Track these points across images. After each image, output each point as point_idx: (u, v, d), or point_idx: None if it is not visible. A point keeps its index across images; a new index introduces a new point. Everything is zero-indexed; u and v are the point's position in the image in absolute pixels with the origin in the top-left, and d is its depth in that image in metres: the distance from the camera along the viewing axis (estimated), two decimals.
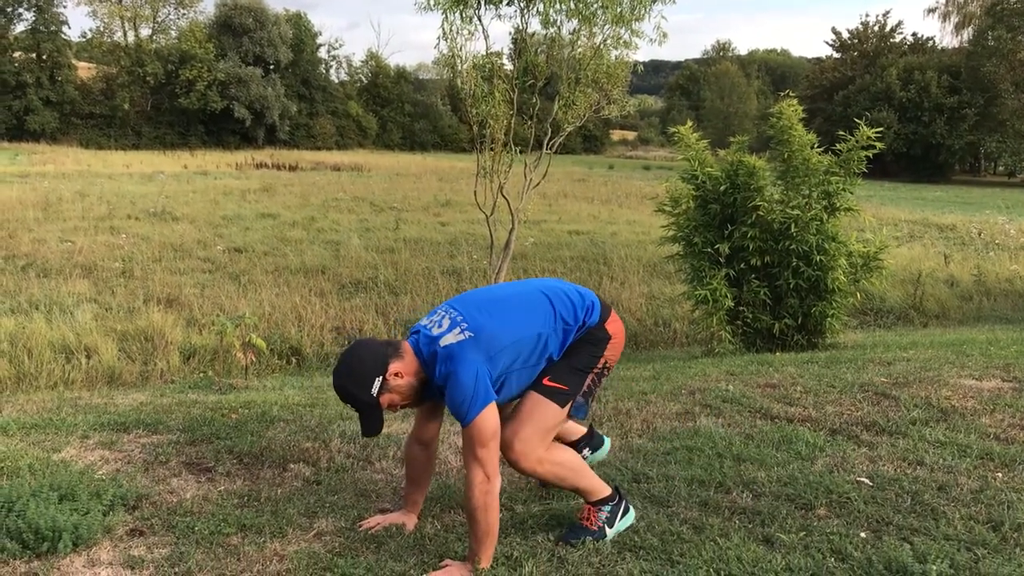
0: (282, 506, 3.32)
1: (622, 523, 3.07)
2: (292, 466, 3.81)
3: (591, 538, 2.98)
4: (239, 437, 4.16)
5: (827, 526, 3.14)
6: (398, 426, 4.48)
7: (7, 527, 2.92)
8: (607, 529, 3.01)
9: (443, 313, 2.95)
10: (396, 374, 2.83)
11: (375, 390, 2.80)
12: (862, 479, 3.60)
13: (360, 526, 3.16)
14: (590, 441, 3.51)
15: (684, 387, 5.31)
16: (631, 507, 3.14)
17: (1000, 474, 3.67)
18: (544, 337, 2.93)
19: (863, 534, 3.07)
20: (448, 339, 2.83)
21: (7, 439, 4.09)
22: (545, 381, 2.95)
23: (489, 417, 2.75)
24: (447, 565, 2.84)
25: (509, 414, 2.96)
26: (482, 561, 2.82)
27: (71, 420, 4.53)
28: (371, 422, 2.87)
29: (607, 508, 3.04)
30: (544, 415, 2.92)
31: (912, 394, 4.94)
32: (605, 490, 3.06)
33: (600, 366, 3.04)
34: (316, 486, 3.58)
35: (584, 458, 3.41)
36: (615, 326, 3.09)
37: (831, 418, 4.51)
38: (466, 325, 2.85)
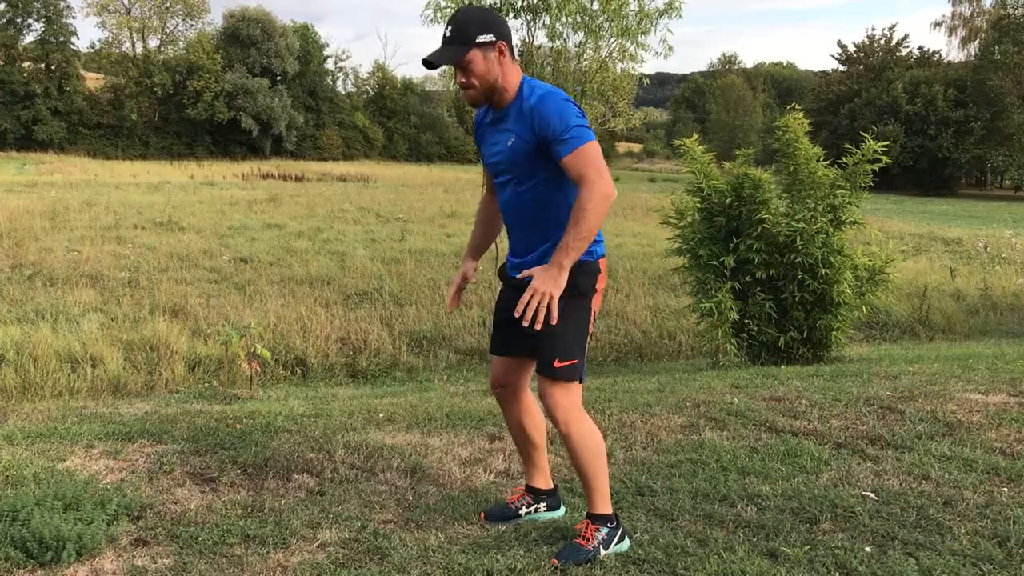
0: (286, 517, 3.31)
1: (616, 548, 3.01)
2: (296, 477, 3.81)
3: (583, 559, 2.91)
4: (243, 447, 4.16)
5: (832, 540, 3.12)
6: (402, 438, 4.48)
7: (11, 536, 2.92)
8: (601, 550, 2.96)
9: None
10: (502, 52, 2.85)
11: (482, 39, 2.80)
12: (867, 493, 3.59)
13: (449, 310, 3.48)
14: (549, 499, 3.41)
15: (689, 400, 5.30)
16: (627, 537, 3.08)
17: (1006, 489, 3.65)
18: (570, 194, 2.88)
19: (868, 549, 3.06)
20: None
21: (12, 448, 4.10)
22: (556, 363, 2.90)
23: (598, 147, 2.74)
24: (532, 287, 2.71)
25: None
26: (568, 258, 2.70)
27: (76, 429, 4.53)
28: (446, 53, 2.83)
29: (605, 529, 2.99)
30: (564, 389, 2.93)
31: (918, 408, 4.93)
32: (609, 507, 3.03)
33: (591, 320, 3.01)
34: (320, 497, 3.58)
35: (535, 512, 3.37)
36: (604, 268, 3.05)
37: (836, 432, 4.50)
38: None
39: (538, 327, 2.69)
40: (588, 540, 2.96)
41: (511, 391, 3.26)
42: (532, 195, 2.93)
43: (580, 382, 2.98)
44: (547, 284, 2.69)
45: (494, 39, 2.81)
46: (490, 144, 3.01)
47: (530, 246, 3.00)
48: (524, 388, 3.27)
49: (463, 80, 2.87)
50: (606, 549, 2.97)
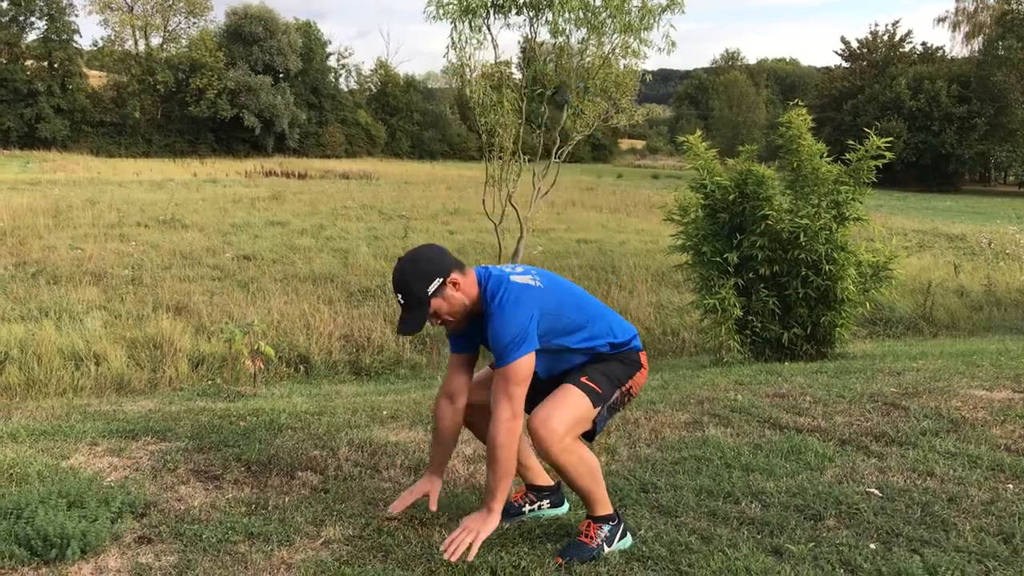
0: (290, 514, 3.31)
1: (619, 545, 3.02)
2: (300, 474, 3.81)
3: (587, 557, 2.92)
4: (247, 445, 4.16)
5: (836, 537, 3.12)
6: (405, 435, 4.48)
7: (16, 533, 2.93)
8: (605, 547, 2.97)
9: (520, 266, 3.10)
10: (455, 284, 2.92)
11: (431, 289, 2.88)
12: (872, 490, 3.58)
13: (391, 513, 3.20)
14: (551, 496, 3.43)
15: (693, 396, 5.30)
16: (629, 533, 3.09)
17: (1011, 485, 3.65)
18: (588, 329, 3.04)
19: (872, 545, 3.05)
20: (517, 279, 2.97)
21: (16, 445, 4.10)
22: (582, 379, 3.00)
23: (528, 361, 2.86)
24: (464, 526, 2.89)
25: (542, 401, 2.98)
26: (496, 501, 2.87)
27: (80, 427, 4.54)
28: (412, 320, 2.93)
29: (607, 527, 3.00)
30: (577, 405, 2.95)
31: (922, 404, 4.92)
32: (609, 507, 3.03)
33: (627, 387, 3.10)
34: (324, 494, 3.58)
35: (539, 509, 3.39)
36: (644, 359, 3.20)
37: (840, 428, 4.49)
38: (539, 278, 3.01)
39: (454, 559, 2.82)
40: (591, 538, 2.97)
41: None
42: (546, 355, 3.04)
43: (594, 428, 3.02)
44: (477, 524, 2.88)
45: (442, 280, 2.89)
46: (480, 339, 3.09)
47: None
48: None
49: (439, 323, 2.99)
50: (609, 546, 2.98)
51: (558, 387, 3.01)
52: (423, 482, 3.24)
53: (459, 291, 2.93)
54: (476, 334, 3.07)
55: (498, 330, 2.86)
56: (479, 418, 3.24)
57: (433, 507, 3.19)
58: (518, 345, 2.83)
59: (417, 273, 2.89)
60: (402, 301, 2.92)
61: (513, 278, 2.96)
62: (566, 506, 3.43)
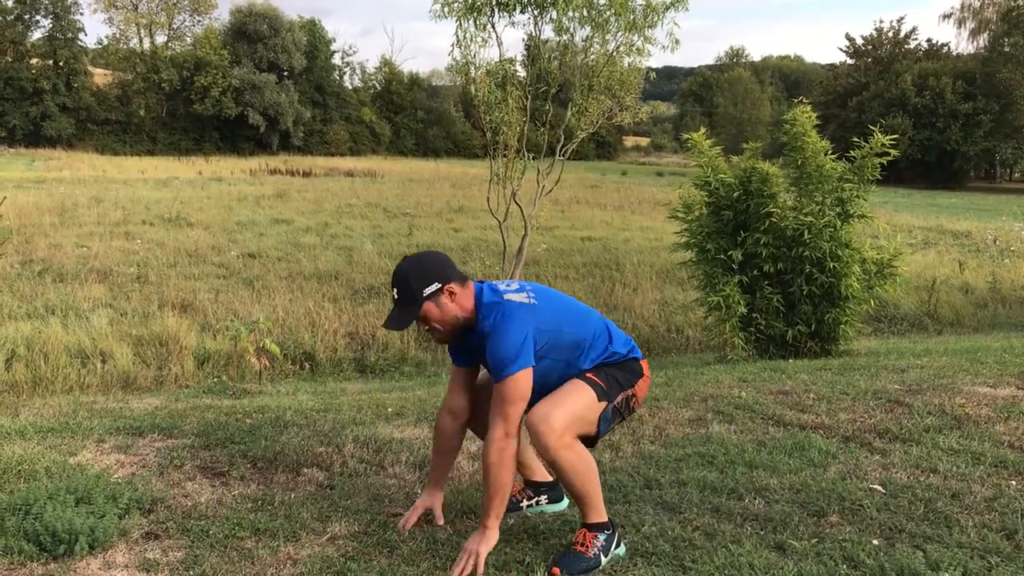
0: (296, 510, 3.33)
1: (614, 554, 2.99)
2: (306, 470, 3.83)
3: (583, 567, 2.88)
4: (253, 442, 4.19)
5: (840, 533, 3.13)
6: (410, 432, 4.50)
7: (24, 529, 2.95)
8: (602, 557, 2.93)
9: (515, 283, 3.11)
10: (452, 293, 2.96)
11: (428, 291, 2.92)
12: (875, 486, 3.59)
13: (402, 526, 3.20)
14: (550, 492, 3.45)
15: (697, 393, 5.31)
16: (623, 541, 3.05)
17: (1014, 482, 3.65)
18: (587, 344, 3.05)
19: (876, 541, 3.06)
20: (512, 296, 2.98)
21: (24, 442, 4.13)
22: (587, 374, 3.01)
23: (525, 379, 2.87)
24: (465, 549, 2.89)
25: (546, 396, 2.98)
26: (491, 518, 2.89)
27: (87, 424, 4.57)
28: (402, 316, 2.96)
29: (603, 536, 2.96)
30: (579, 400, 2.94)
31: (926, 401, 4.93)
32: (604, 515, 2.99)
33: (632, 391, 3.10)
34: (329, 491, 3.60)
35: (537, 505, 3.41)
36: (646, 367, 3.20)
37: (844, 425, 4.50)
38: (533, 295, 3.02)
39: None
40: (587, 547, 2.92)
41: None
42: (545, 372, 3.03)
43: (598, 429, 3.00)
44: (476, 543, 2.89)
45: (440, 286, 2.93)
46: (474, 350, 3.10)
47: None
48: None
49: (426, 328, 3.02)
50: (606, 556, 2.93)
51: (564, 383, 3.00)
52: (424, 498, 3.28)
53: (454, 302, 2.96)
54: (472, 349, 3.08)
55: (493, 347, 2.88)
56: (477, 422, 3.28)
57: (439, 522, 3.23)
58: (512, 361, 2.84)
59: (418, 272, 2.93)
60: (396, 296, 2.96)
61: (508, 296, 2.98)
62: (565, 501, 3.44)
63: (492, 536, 2.90)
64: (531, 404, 2.94)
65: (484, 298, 3.00)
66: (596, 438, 3.06)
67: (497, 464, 2.85)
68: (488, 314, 2.95)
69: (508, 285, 3.06)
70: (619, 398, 3.04)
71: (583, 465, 2.93)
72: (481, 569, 2.84)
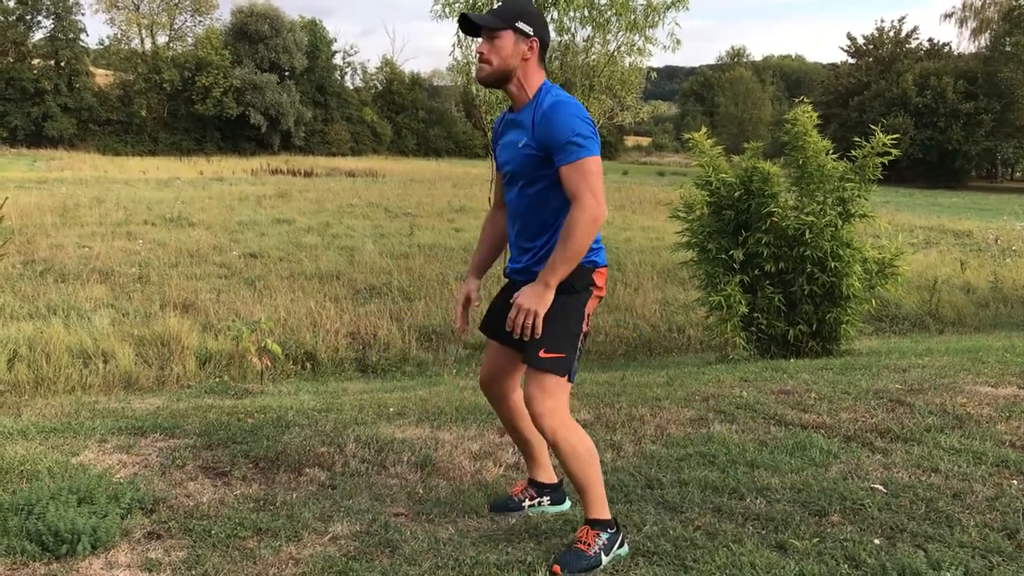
0: (297, 510, 3.34)
1: (616, 553, 2.97)
2: (307, 470, 3.84)
3: (585, 566, 2.85)
4: (255, 441, 4.19)
5: (841, 533, 3.13)
6: (412, 431, 4.50)
7: (27, 529, 2.96)
8: (603, 557, 2.90)
9: None
10: (532, 49, 2.89)
11: (522, 26, 2.85)
12: (876, 486, 3.59)
13: (459, 328, 3.25)
14: (552, 493, 3.43)
15: (698, 393, 5.31)
16: (626, 543, 3.02)
17: (1015, 481, 3.65)
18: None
19: (877, 541, 3.06)
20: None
21: (27, 443, 4.14)
22: (542, 354, 2.86)
23: (600, 164, 2.80)
24: (518, 305, 2.80)
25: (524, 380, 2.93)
26: (555, 276, 2.77)
27: (89, 424, 4.57)
28: (485, 18, 2.88)
29: (606, 535, 2.93)
30: (550, 384, 2.86)
31: (927, 401, 4.93)
32: (607, 512, 2.97)
33: (585, 322, 2.98)
34: (331, 490, 3.60)
35: (539, 505, 3.39)
36: (602, 277, 3.04)
37: (845, 425, 4.50)
38: None
39: (525, 338, 2.79)
40: (589, 545, 2.89)
41: (499, 393, 3.26)
42: (536, 198, 2.94)
43: (569, 380, 2.92)
44: (532, 301, 2.78)
45: (531, 33, 2.87)
46: (503, 147, 3.02)
47: (521, 248, 3.03)
48: (513, 390, 3.27)
49: (484, 51, 2.89)
50: (607, 555, 2.91)
51: (527, 370, 2.91)
52: (464, 286, 3.27)
53: (527, 57, 2.89)
54: (509, 142, 2.97)
55: (566, 121, 2.76)
56: (500, 406, 3.28)
57: (475, 303, 3.24)
58: (593, 141, 2.77)
59: (528, 11, 2.88)
60: (496, 8, 2.90)
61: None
62: (568, 503, 3.44)
63: (549, 295, 2.79)
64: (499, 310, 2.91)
65: (553, 89, 2.91)
66: (571, 380, 2.95)
67: (587, 231, 2.73)
68: (549, 94, 2.87)
69: None
70: (578, 348, 2.94)
71: (583, 448, 2.90)
72: (540, 327, 2.78)
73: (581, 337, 2.96)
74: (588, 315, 2.99)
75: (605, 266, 3.04)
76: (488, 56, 2.88)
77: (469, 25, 2.92)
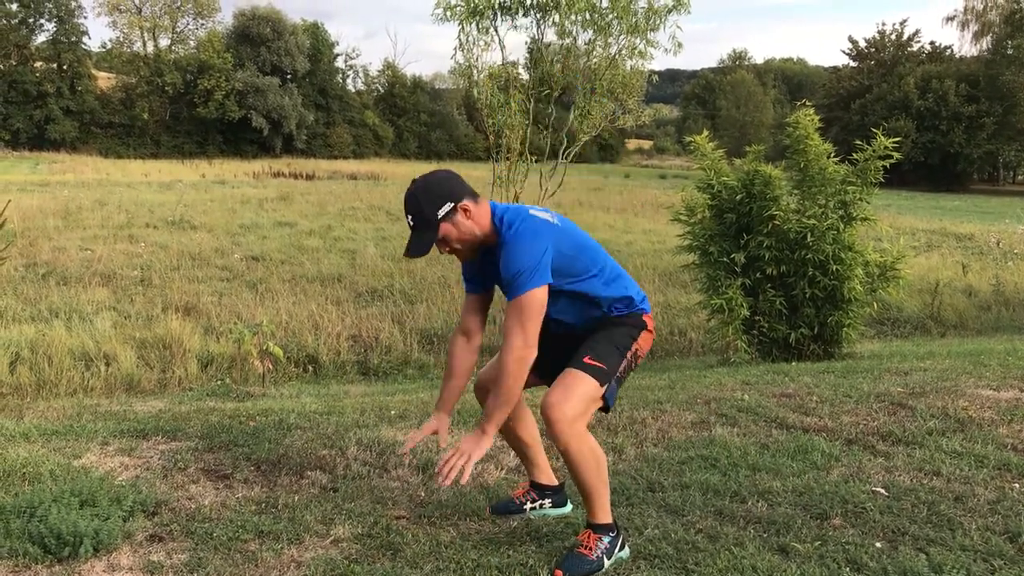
0: (299, 513, 3.34)
1: (617, 556, 2.97)
2: (309, 473, 3.84)
3: (586, 570, 2.87)
4: (257, 444, 4.19)
5: (842, 536, 3.13)
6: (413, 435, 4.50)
7: (29, 532, 2.96)
8: (605, 560, 2.91)
9: (540, 208, 3.07)
10: (466, 211, 2.89)
11: (442, 212, 2.86)
12: (878, 489, 3.59)
13: (403, 451, 3.23)
14: (554, 496, 3.44)
15: (700, 396, 5.31)
16: (627, 545, 3.03)
17: (1017, 485, 3.65)
18: (604, 278, 3.03)
19: (879, 544, 3.06)
20: (537, 214, 2.95)
21: (29, 445, 4.14)
22: (586, 359, 2.95)
23: (541, 294, 2.82)
24: (456, 448, 2.85)
25: (551, 383, 2.97)
26: (492, 425, 2.84)
27: (91, 427, 4.58)
28: (420, 242, 2.90)
29: (607, 539, 2.94)
30: (585, 388, 2.90)
31: (929, 404, 4.93)
32: (609, 516, 2.98)
33: (633, 350, 3.05)
34: (333, 493, 3.60)
35: (540, 508, 3.40)
36: (650, 321, 3.15)
37: (847, 428, 4.50)
38: (558, 220, 3.00)
39: (448, 483, 2.80)
40: (591, 549, 2.90)
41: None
42: (570, 299, 3.03)
43: (605, 400, 2.97)
44: (469, 446, 2.84)
45: (453, 204, 2.87)
46: (493, 275, 3.05)
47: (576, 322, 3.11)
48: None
49: (448, 250, 2.97)
50: (609, 559, 2.92)
51: (564, 371, 2.96)
52: (432, 421, 3.19)
53: (470, 219, 2.90)
54: (488, 269, 3.03)
55: (511, 258, 2.83)
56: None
57: (443, 443, 3.19)
58: (531, 275, 2.79)
59: (429, 195, 2.87)
60: (412, 223, 2.89)
61: (532, 212, 2.95)
62: (569, 506, 3.44)
63: (486, 442, 2.85)
64: (540, 348, 2.90)
65: (507, 214, 2.94)
66: (607, 408, 3.03)
67: (514, 374, 2.80)
68: (510, 226, 2.90)
69: (534, 208, 3.02)
70: (621, 367, 3.01)
71: (593, 459, 2.92)
72: (468, 472, 2.81)
73: (627, 360, 3.03)
74: (639, 349, 3.08)
75: (650, 312, 3.16)
76: (454, 249, 2.97)
77: (419, 255, 2.97)
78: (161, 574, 2.84)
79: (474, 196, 2.94)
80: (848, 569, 2.87)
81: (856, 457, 4.04)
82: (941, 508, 3.38)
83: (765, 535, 3.15)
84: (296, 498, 3.52)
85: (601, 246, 3.19)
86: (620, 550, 2.98)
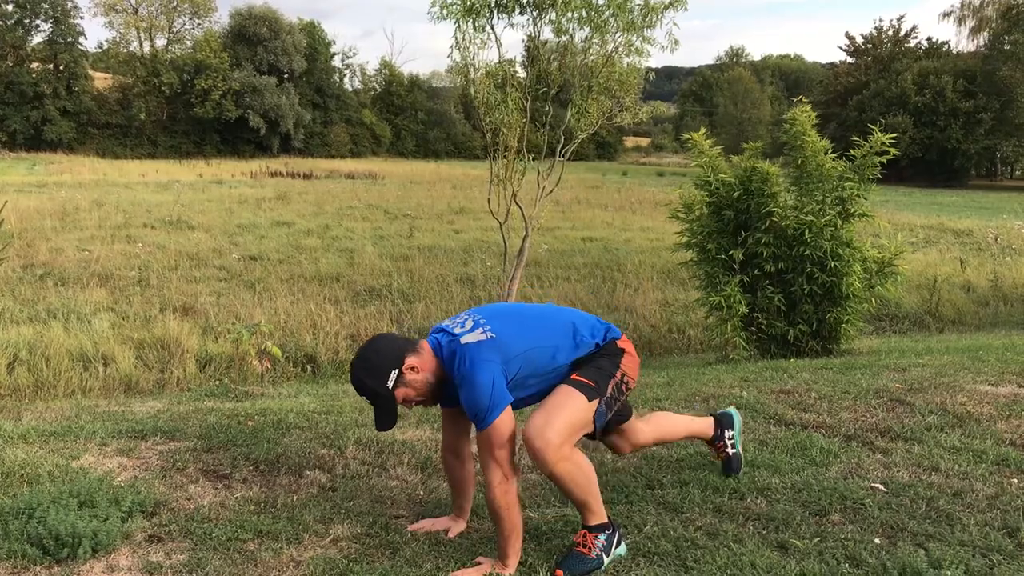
0: (298, 512, 3.34)
1: (616, 552, 2.99)
2: (308, 473, 3.84)
3: (587, 568, 2.89)
4: (255, 444, 4.19)
5: (841, 532, 3.13)
6: (412, 433, 4.50)
7: (28, 533, 2.96)
8: (604, 557, 2.93)
9: (467, 316, 3.07)
10: (412, 368, 2.92)
11: (391, 382, 2.89)
12: (877, 485, 3.60)
13: (410, 528, 3.22)
14: None
15: (698, 394, 5.31)
16: (623, 541, 3.05)
17: (1016, 480, 3.66)
18: (558, 350, 3.02)
19: (877, 540, 3.07)
20: (469, 338, 2.93)
21: (27, 446, 4.14)
22: (573, 376, 2.99)
23: (506, 420, 2.85)
24: (479, 562, 2.91)
25: (538, 406, 2.99)
26: (510, 558, 2.88)
27: (89, 428, 4.57)
28: (385, 416, 2.95)
29: (604, 536, 2.95)
30: (572, 407, 2.92)
31: (927, 400, 4.93)
32: (604, 516, 2.99)
33: (619, 375, 3.07)
34: (332, 492, 3.60)
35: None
36: (627, 344, 3.18)
37: (846, 424, 4.50)
38: (488, 327, 2.96)
39: None
40: (590, 548, 2.92)
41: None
42: (535, 380, 3.05)
43: (595, 422, 2.98)
44: (495, 568, 2.88)
45: (398, 371, 2.90)
46: (457, 398, 3.05)
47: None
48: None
49: (414, 406, 3.02)
50: (608, 555, 2.94)
51: (553, 390, 3.00)
52: (448, 519, 3.27)
53: (419, 373, 2.94)
54: (453, 392, 3.02)
55: (468, 399, 2.86)
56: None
57: (452, 535, 3.21)
58: (488, 409, 2.82)
59: (372, 372, 2.90)
60: (369, 400, 2.95)
61: (464, 340, 2.92)
62: None
63: (507, 572, 2.89)
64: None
65: (444, 352, 2.96)
66: (595, 433, 3.06)
67: (505, 507, 2.85)
68: (454, 368, 2.92)
69: (461, 326, 3.01)
70: (609, 388, 3.03)
71: (582, 475, 2.92)
72: None
73: (616, 380, 3.06)
74: (625, 373, 3.10)
75: (622, 336, 3.19)
76: (416, 402, 3.00)
77: (389, 429, 3.01)
78: (160, 574, 2.84)
79: (413, 346, 2.96)
80: (847, 565, 2.87)
81: (855, 453, 4.04)
82: (940, 504, 3.38)
83: (764, 532, 3.16)
84: (295, 498, 3.52)
85: (544, 309, 3.21)
86: (617, 546, 2.99)
